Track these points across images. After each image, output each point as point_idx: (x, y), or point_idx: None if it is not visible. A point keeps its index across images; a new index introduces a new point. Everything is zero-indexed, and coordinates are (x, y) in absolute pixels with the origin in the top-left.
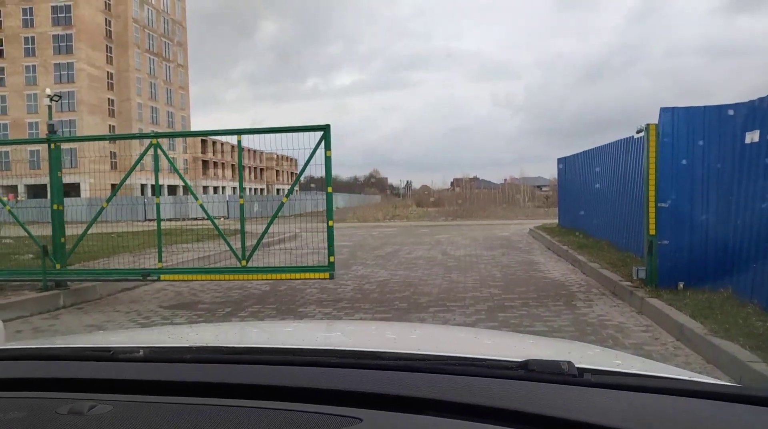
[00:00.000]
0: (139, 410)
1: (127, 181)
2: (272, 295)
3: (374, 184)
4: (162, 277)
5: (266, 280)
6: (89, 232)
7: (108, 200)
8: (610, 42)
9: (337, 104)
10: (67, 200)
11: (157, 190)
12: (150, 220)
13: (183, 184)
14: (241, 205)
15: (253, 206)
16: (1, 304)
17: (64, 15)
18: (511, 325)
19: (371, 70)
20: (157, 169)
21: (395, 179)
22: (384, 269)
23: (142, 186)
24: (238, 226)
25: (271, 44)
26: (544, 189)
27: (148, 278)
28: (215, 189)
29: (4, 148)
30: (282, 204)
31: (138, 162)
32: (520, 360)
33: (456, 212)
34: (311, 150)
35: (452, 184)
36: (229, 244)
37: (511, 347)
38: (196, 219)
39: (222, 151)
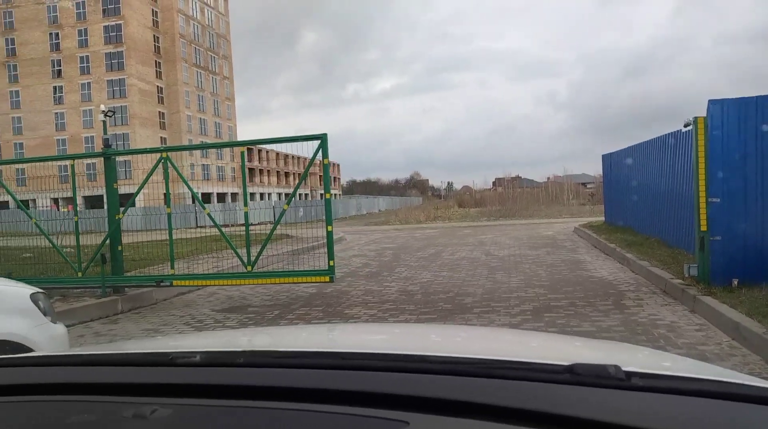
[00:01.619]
0: (197, 414)
1: (178, 191)
2: (318, 298)
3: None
4: (174, 282)
5: (271, 283)
6: (145, 240)
7: (124, 211)
8: (654, 34)
9: (377, 109)
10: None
11: (168, 200)
12: (200, 226)
13: (230, 192)
14: (246, 213)
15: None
16: (65, 311)
17: (115, 34)
18: (558, 326)
19: (411, 74)
20: (167, 180)
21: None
22: (427, 271)
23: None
24: (285, 231)
25: (313, 53)
26: (588, 186)
27: (162, 284)
28: (261, 195)
29: (63, 163)
30: (284, 211)
31: (150, 174)
32: (566, 364)
33: (498, 212)
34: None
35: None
36: (235, 251)
37: (558, 350)
38: (242, 225)
39: (267, 159)
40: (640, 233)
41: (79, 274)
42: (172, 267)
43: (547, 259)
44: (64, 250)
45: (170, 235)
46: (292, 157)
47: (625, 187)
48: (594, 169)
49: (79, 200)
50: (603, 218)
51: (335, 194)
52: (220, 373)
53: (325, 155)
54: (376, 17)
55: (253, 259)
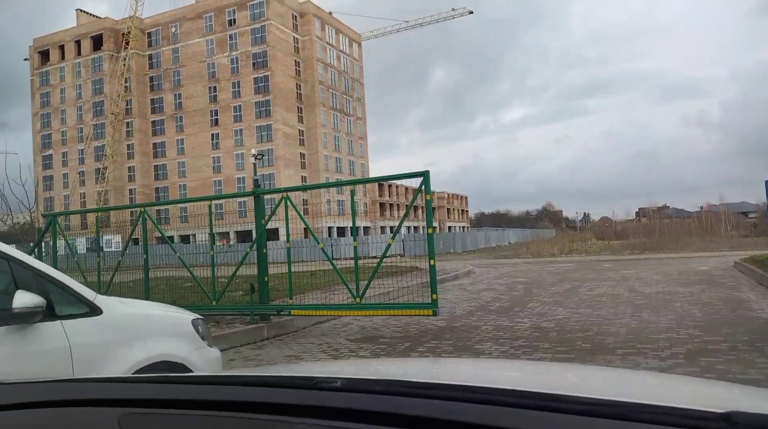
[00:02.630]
0: None
1: (317, 226)
2: (448, 331)
3: (548, 217)
4: (293, 312)
5: (378, 315)
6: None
7: (251, 246)
8: None
9: (507, 139)
10: (269, 244)
11: (288, 235)
12: (336, 259)
13: (363, 226)
14: (355, 247)
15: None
16: (218, 336)
17: (263, 84)
18: (716, 372)
19: (543, 102)
20: (287, 219)
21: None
22: (562, 307)
23: (329, 228)
24: (414, 264)
25: (441, 89)
26: (750, 216)
27: (282, 313)
28: (391, 228)
29: (219, 201)
30: (389, 245)
31: (273, 214)
32: (721, 411)
33: (643, 245)
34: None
35: (637, 214)
36: (346, 283)
37: (714, 396)
38: (375, 257)
39: (397, 194)
40: None
41: (214, 303)
42: (291, 297)
43: (702, 297)
44: (219, 280)
45: (289, 268)
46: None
47: None
48: (756, 196)
49: (232, 235)
50: None
51: (463, 227)
52: (360, 398)
53: (428, 191)
54: (505, 48)
55: (362, 291)
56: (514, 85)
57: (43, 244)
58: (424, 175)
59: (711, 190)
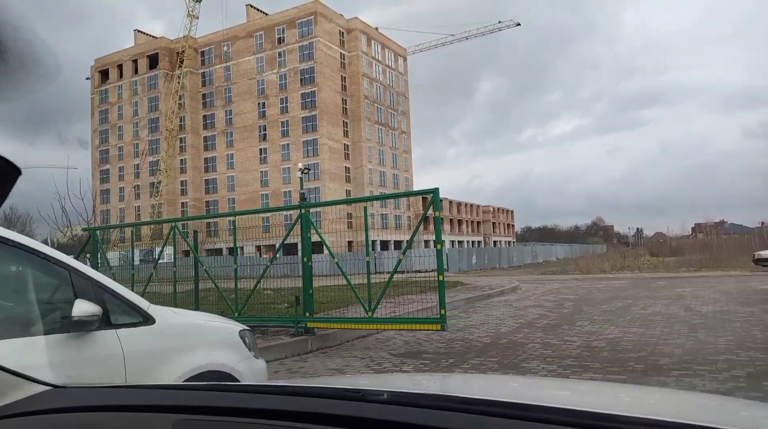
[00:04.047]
0: None
1: (359, 239)
2: (493, 348)
3: (598, 232)
4: (308, 324)
5: (391, 329)
6: (331, 284)
7: (271, 260)
8: None
9: (556, 151)
10: (314, 256)
11: (308, 250)
12: (378, 272)
13: (405, 239)
14: (368, 262)
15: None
16: (264, 347)
17: (310, 100)
18: None
19: (594, 114)
20: (305, 233)
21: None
22: (614, 325)
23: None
24: (458, 279)
25: (489, 101)
26: None
27: (299, 325)
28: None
29: (265, 215)
30: (399, 260)
31: (291, 229)
32: None
33: (700, 262)
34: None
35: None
36: (358, 297)
37: None
38: (418, 271)
39: (441, 208)
40: None
41: (236, 315)
42: (307, 310)
43: (764, 317)
44: (265, 292)
45: (306, 281)
46: (465, 205)
47: None
48: None
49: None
50: None
51: (509, 242)
52: (405, 411)
53: (437, 208)
54: (555, 59)
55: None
56: (564, 97)
57: (98, 255)
58: (434, 192)
59: None
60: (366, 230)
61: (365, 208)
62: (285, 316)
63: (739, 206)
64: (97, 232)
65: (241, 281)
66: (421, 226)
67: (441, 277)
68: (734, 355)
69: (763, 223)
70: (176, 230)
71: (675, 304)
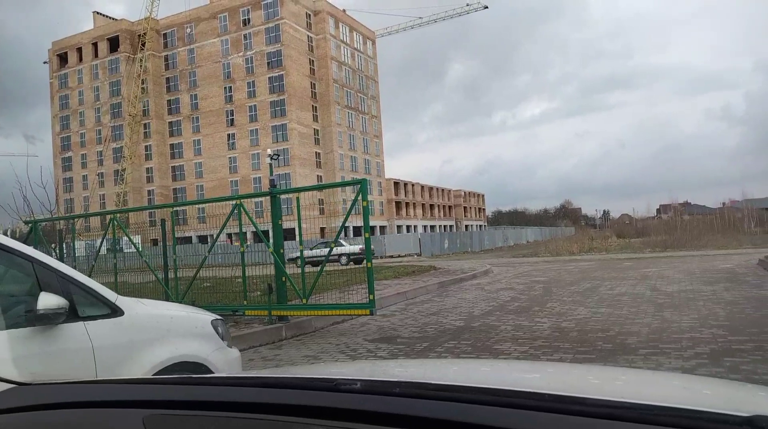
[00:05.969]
0: None
1: (333, 225)
2: (466, 331)
3: (567, 215)
4: (246, 312)
5: (321, 315)
6: (306, 271)
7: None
8: None
9: (526, 135)
10: (285, 244)
11: (241, 238)
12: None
13: (379, 225)
14: (301, 251)
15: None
16: (237, 336)
17: (278, 84)
18: (742, 373)
19: (562, 97)
20: (240, 224)
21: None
22: (583, 306)
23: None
24: (431, 263)
25: (459, 85)
26: None
27: (236, 313)
28: (408, 227)
29: (227, 203)
30: (330, 249)
31: (227, 222)
32: (745, 415)
33: (664, 242)
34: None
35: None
36: (293, 284)
37: (737, 399)
38: (392, 256)
39: (413, 192)
40: None
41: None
42: (245, 298)
43: (725, 295)
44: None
45: (243, 270)
46: (437, 189)
47: None
48: None
49: (249, 235)
50: None
51: (480, 226)
52: (379, 401)
53: (364, 198)
54: (523, 42)
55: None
56: (533, 80)
57: (64, 245)
58: (361, 182)
59: (734, 186)
60: (299, 220)
61: (297, 198)
62: (258, 304)
63: (702, 187)
64: (39, 224)
65: (213, 269)
66: (394, 211)
67: (370, 265)
68: (698, 333)
69: (724, 203)
70: (115, 222)
71: (641, 284)
